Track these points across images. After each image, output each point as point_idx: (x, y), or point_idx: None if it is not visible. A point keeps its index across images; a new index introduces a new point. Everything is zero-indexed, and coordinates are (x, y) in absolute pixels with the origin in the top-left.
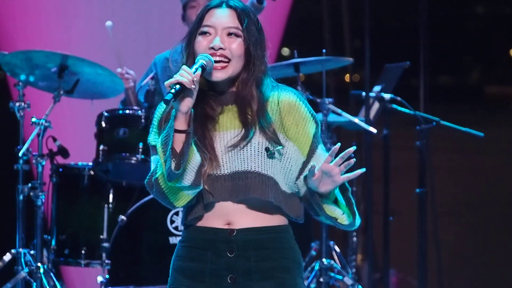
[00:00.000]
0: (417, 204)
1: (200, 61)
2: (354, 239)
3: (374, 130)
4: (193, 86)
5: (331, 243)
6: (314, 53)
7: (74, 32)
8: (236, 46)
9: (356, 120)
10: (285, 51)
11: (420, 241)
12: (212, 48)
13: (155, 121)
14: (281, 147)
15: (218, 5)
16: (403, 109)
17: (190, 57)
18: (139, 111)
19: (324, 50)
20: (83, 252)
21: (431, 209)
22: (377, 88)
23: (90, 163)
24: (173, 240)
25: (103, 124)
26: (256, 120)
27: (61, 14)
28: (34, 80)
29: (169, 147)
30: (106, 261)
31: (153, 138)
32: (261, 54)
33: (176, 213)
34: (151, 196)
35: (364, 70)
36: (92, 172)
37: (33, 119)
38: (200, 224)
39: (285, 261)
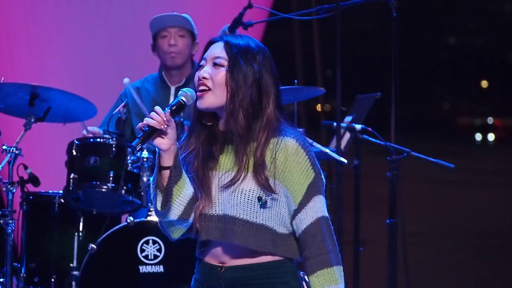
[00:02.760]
0: (388, 234)
1: (179, 98)
2: None
3: (345, 160)
4: (164, 126)
5: (301, 273)
6: (286, 83)
7: (46, 61)
8: (218, 75)
9: (327, 150)
10: None
11: (390, 271)
12: (198, 78)
13: None
14: (275, 194)
15: (216, 40)
16: (374, 140)
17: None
18: (110, 140)
19: (296, 80)
20: (52, 280)
21: (401, 239)
22: (348, 118)
23: (61, 191)
24: (143, 269)
25: (74, 152)
26: (249, 164)
27: (33, 42)
28: (5, 106)
29: (154, 185)
30: None
31: None
32: (251, 88)
33: (146, 242)
34: (121, 224)
35: (336, 100)
36: (62, 200)
37: (4, 147)
38: (203, 258)
39: None
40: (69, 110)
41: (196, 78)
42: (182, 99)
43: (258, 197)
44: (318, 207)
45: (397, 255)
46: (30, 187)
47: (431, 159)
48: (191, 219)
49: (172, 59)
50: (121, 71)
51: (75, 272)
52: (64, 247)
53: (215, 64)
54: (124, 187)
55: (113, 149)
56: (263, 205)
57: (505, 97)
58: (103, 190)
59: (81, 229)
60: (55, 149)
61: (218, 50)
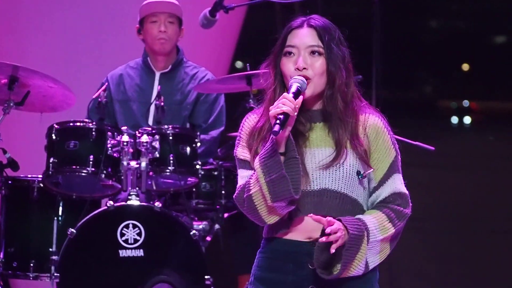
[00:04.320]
0: None
1: (295, 85)
2: None
3: None
4: (295, 113)
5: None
6: None
7: (26, 44)
8: (318, 64)
9: None
10: (239, 64)
11: None
12: (297, 68)
13: (243, 135)
14: (372, 170)
15: (300, 25)
16: None
17: (277, 78)
18: (90, 124)
19: None
20: (31, 265)
21: None
22: None
23: (40, 176)
24: (123, 253)
25: (54, 137)
26: (347, 140)
27: (13, 25)
28: None
29: (281, 170)
30: (55, 274)
31: (241, 152)
32: (344, 70)
33: (126, 226)
34: (101, 209)
35: None
36: (42, 185)
37: None
38: (284, 236)
39: (367, 282)
40: (47, 99)
41: (289, 66)
42: (299, 86)
43: (357, 171)
44: (396, 184)
45: None
46: (9, 172)
47: (412, 141)
48: (295, 204)
49: (161, 45)
50: (102, 58)
51: (54, 257)
52: (44, 232)
53: (312, 53)
54: (104, 171)
55: (93, 133)
56: (361, 181)
57: (486, 80)
58: (83, 174)
59: (60, 213)
60: (35, 133)
61: (311, 38)
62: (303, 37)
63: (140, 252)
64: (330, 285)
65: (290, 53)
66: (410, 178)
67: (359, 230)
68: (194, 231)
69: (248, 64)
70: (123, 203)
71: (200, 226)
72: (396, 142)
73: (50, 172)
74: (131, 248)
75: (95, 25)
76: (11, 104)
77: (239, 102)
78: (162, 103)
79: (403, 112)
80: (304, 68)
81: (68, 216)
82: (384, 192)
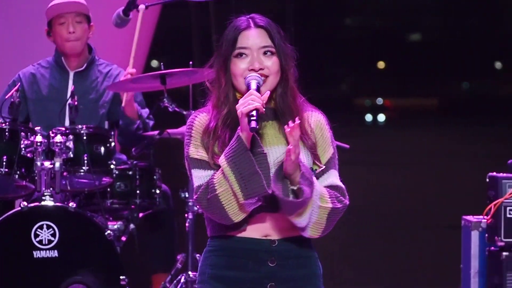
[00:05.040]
0: None
1: (254, 82)
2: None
3: None
4: (264, 108)
5: (197, 255)
6: (182, 65)
7: None
8: (272, 64)
9: None
10: (154, 63)
11: None
12: (253, 69)
13: (195, 134)
14: (323, 167)
15: (248, 26)
16: None
17: (228, 80)
18: (3, 124)
19: (191, 62)
20: None
21: None
22: None
23: None
24: (37, 254)
25: None
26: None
27: None
28: None
29: (254, 167)
30: None
31: (196, 151)
32: (293, 67)
33: (41, 227)
34: (15, 210)
35: None
36: None
37: None
38: (240, 234)
39: (315, 267)
40: None
41: (240, 67)
42: (258, 83)
43: (310, 168)
44: (332, 178)
45: None
46: None
47: None
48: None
49: (72, 46)
50: (12, 57)
51: None
52: None
53: (265, 53)
54: (18, 172)
55: (6, 133)
56: (316, 175)
57: (401, 77)
58: None
59: None
60: None
61: (262, 39)
62: (254, 38)
63: (55, 253)
64: (288, 281)
65: (242, 54)
66: None
67: (310, 174)
68: (109, 231)
69: (162, 63)
70: (37, 203)
71: (115, 226)
72: (334, 139)
73: None
74: (46, 249)
75: (4, 24)
76: None
77: (154, 102)
78: (76, 103)
79: (319, 109)
80: (261, 69)
81: None
82: (322, 183)
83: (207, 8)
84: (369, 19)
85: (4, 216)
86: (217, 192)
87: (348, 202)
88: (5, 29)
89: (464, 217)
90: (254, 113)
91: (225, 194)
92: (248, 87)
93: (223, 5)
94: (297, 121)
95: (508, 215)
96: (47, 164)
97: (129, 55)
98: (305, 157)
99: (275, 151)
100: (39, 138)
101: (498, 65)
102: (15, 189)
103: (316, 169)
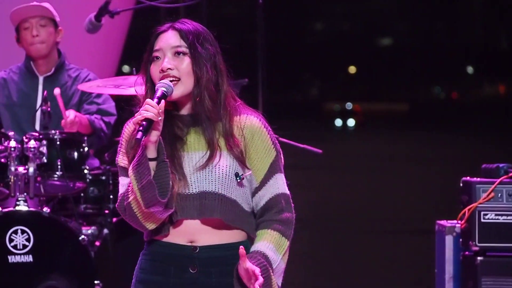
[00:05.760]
0: None
1: (161, 89)
2: None
3: None
4: (160, 118)
5: None
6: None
7: None
8: (184, 64)
9: None
10: (126, 68)
11: None
12: (162, 70)
13: (123, 142)
14: (250, 172)
15: (165, 30)
16: None
17: (147, 84)
18: None
19: None
20: None
21: None
22: None
23: None
24: (12, 259)
25: None
26: (222, 141)
27: None
28: None
29: (149, 176)
30: None
31: (122, 159)
32: (210, 69)
33: (15, 232)
34: None
35: None
36: None
37: None
38: (165, 239)
39: None
40: None
41: (156, 70)
42: (164, 90)
43: (235, 173)
44: (279, 184)
45: None
46: None
47: (299, 144)
48: (173, 208)
49: (36, 49)
50: None
51: None
52: None
53: (176, 53)
54: None
55: None
56: (239, 182)
57: (371, 82)
58: None
59: None
60: None
61: (174, 39)
62: (167, 39)
63: (29, 258)
64: (215, 286)
65: (157, 57)
66: (296, 180)
67: (265, 270)
68: (83, 236)
69: (134, 68)
70: (11, 208)
71: (89, 231)
72: (277, 142)
73: None
74: (20, 254)
75: None
76: None
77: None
78: (49, 109)
79: (289, 114)
80: (169, 69)
81: None
82: (267, 193)
83: (178, 13)
84: (339, 23)
85: None
86: (129, 200)
87: (294, 215)
88: None
89: (438, 222)
90: (144, 123)
91: (134, 202)
92: (155, 95)
93: (193, 10)
94: (241, 249)
95: (482, 220)
96: (21, 169)
97: (100, 60)
98: (230, 162)
99: (195, 157)
100: (12, 143)
101: (470, 69)
102: None
103: (242, 175)
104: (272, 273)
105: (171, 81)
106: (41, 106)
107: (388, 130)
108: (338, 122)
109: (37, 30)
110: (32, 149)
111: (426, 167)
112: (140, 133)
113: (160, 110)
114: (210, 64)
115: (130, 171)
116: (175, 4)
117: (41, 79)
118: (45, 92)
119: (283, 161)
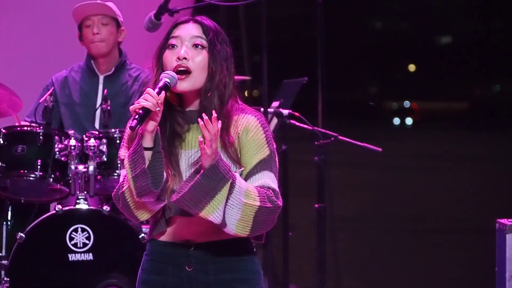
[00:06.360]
0: (316, 219)
1: (163, 79)
2: None
3: None
4: (158, 108)
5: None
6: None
7: None
8: (200, 58)
9: None
10: None
11: (319, 256)
12: (178, 58)
13: (126, 135)
14: (242, 169)
15: (186, 21)
16: (301, 125)
17: (158, 72)
18: (37, 128)
19: None
20: None
21: (330, 223)
22: (275, 103)
23: None
24: (72, 257)
25: (1, 141)
26: (218, 139)
27: None
28: None
29: (143, 165)
30: (5, 278)
31: (123, 152)
32: (225, 69)
33: (75, 230)
34: (50, 213)
35: (262, 86)
36: None
37: None
38: (162, 238)
39: (243, 272)
40: None
41: (171, 58)
42: (167, 81)
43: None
44: (265, 179)
45: (326, 240)
46: None
47: (359, 143)
48: (165, 200)
49: (96, 48)
50: (46, 61)
51: (4, 261)
52: None
53: (195, 45)
54: (52, 175)
55: (40, 137)
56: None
57: (431, 80)
58: (31, 178)
59: (9, 218)
60: None
61: (196, 30)
62: (188, 29)
63: (89, 256)
64: (208, 286)
65: (173, 46)
66: (355, 179)
67: (225, 169)
68: (143, 235)
69: None
70: (72, 207)
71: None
72: (273, 142)
73: None
74: (80, 252)
75: (38, 27)
76: None
77: None
78: (109, 107)
79: (347, 112)
80: (185, 58)
81: (17, 221)
82: (253, 183)
83: (237, 12)
84: (398, 22)
85: (39, 220)
86: (123, 189)
87: (281, 204)
88: (39, 34)
89: (499, 220)
90: (140, 111)
91: (128, 191)
92: (157, 84)
93: (252, 8)
94: (214, 114)
95: None
96: (81, 167)
97: None
98: (224, 160)
99: (191, 154)
100: (73, 142)
101: None
102: (49, 193)
103: (235, 170)
104: (228, 185)
105: (182, 72)
106: (101, 105)
107: (446, 128)
108: (396, 121)
109: (98, 28)
110: (92, 148)
111: (485, 166)
112: (135, 121)
113: (160, 101)
114: (226, 65)
115: (125, 160)
116: (235, 2)
117: (101, 78)
118: (105, 91)
119: (277, 163)
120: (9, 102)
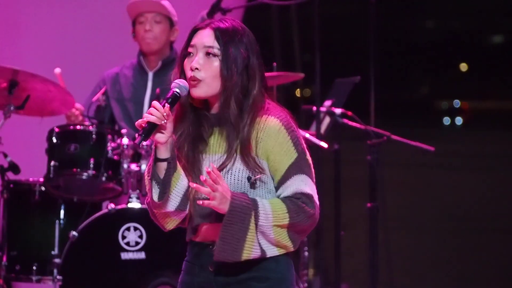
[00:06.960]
0: (368, 218)
1: (172, 90)
2: (306, 253)
3: (325, 145)
4: (164, 121)
5: None
6: (265, 68)
7: (25, 47)
8: (212, 66)
9: (306, 134)
10: None
11: (371, 255)
12: (190, 68)
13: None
14: (263, 175)
15: (203, 27)
16: (353, 124)
17: (182, 78)
18: (90, 127)
19: (274, 64)
20: (34, 268)
21: (382, 223)
22: (327, 102)
23: (41, 179)
24: (124, 255)
25: (54, 140)
26: (238, 146)
27: (13, 29)
28: None
29: (149, 177)
30: (58, 277)
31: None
32: (240, 74)
33: (128, 229)
34: (102, 212)
35: (315, 85)
36: (43, 188)
37: None
38: (194, 239)
39: (263, 271)
40: (46, 102)
41: (187, 66)
42: (176, 91)
43: (247, 177)
44: (297, 184)
45: (378, 239)
46: (10, 175)
47: (411, 142)
48: (187, 210)
49: (147, 44)
50: (100, 59)
51: (57, 260)
52: (45, 235)
53: (207, 54)
54: (105, 174)
55: (93, 136)
56: (252, 185)
57: (483, 80)
58: (84, 177)
59: (62, 216)
60: (35, 136)
61: (209, 38)
62: (202, 37)
63: (142, 255)
64: (228, 285)
65: (190, 53)
66: (407, 178)
67: (243, 204)
68: None
69: None
70: (124, 206)
71: None
72: (300, 142)
73: (51, 176)
74: (133, 251)
75: (92, 26)
76: (12, 108)
77: None
78: (104, 103)
79: (399, 112)
80: (196, 69)
81: (70, 219)
82: (285, 191)
83: (289, 11)
84: (450, 21)
85: (92, 218)
86: (148, 200)
87: (314, 212)
88: (94, 32)
89: None
90: (145, 126)
91: (152, 202)
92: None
93: (304, 7)
94: (202, 178)
95: None
96: (133, 166)
97: None
98: (243, 166)
99: (213, 159)
100: (125, 140)
101: None
102: (102, 191)
103: (253, 178)
104: (253, 218)
105: (194, 79)
106: (150, 101)
107: (497, 128)
108: (446, 120)
109: (150, 25)
110: (145, 147)
111: None
112: (139, 137)
113: (165, 113)
114: (241, 69)
115: (145, 173)
116: (287, 2)
117: (150, 74)
118: (158, 90)
119: (309, 162)
120: (62, 101)
